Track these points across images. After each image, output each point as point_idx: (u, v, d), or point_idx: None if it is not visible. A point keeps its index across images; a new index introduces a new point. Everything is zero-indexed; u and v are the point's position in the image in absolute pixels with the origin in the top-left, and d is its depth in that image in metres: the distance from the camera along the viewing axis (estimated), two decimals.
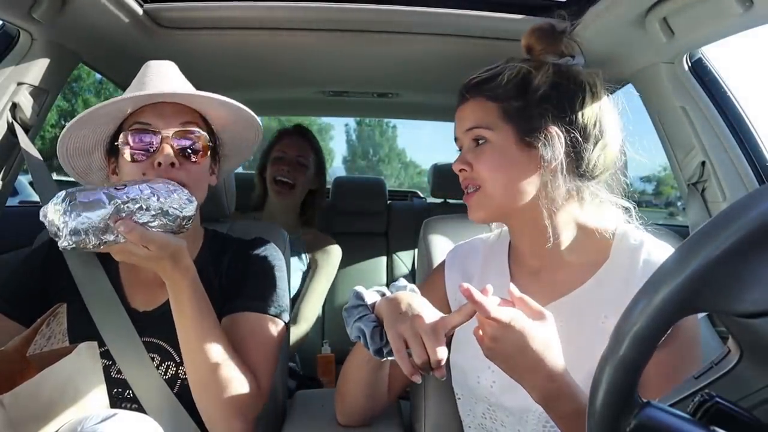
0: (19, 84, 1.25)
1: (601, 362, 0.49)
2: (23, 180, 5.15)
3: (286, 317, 1.12)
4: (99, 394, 0.91)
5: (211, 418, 0.98)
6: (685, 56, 1.31)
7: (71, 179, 1.15)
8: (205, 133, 1.05)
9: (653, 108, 1.42)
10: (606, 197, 0.98)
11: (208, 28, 1.46)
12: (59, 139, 1.02)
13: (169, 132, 1.00)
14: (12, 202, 1.75)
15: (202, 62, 1.66)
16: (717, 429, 0.46)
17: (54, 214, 0.83)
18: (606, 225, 0.97)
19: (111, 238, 0.85)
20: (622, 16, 1.21)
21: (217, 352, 0.95)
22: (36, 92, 1.29)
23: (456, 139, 1.02)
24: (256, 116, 1.09)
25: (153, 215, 0.88)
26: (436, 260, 1.22)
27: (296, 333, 1.89)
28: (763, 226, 0.42)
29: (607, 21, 1.22)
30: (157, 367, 1.02)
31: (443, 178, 2.55)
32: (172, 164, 0.99)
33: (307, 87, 2.17)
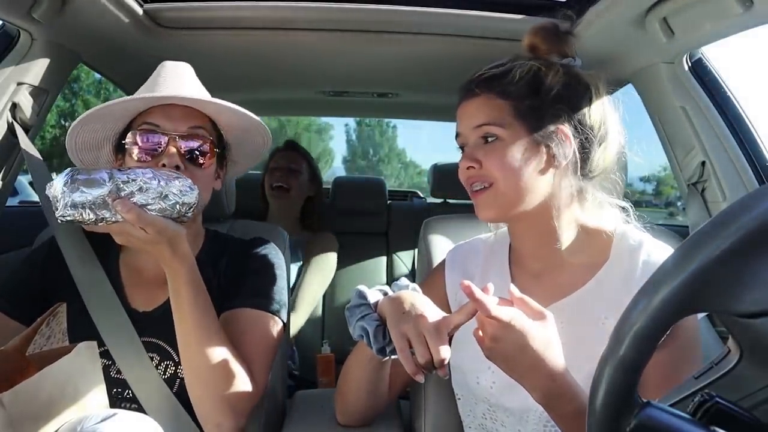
0: (19, 84, 1.25)
1: (601, 362, 0.49)
2: (23, 180, 5.15)
3: (284, 315, 1.11)
4: (98, 394, 0.91)
5: (203, 410, 0.98)
6: (685, 56, 1.31)
7: None
8: (212, 138, 1.06)
9: (653, 108, 1.42)
10: (604, 198, 0.98)
11: (208, 28, 1.46)
12: (69, 132, 1.03)
13: (177, 134, 1.01)
14: (12, 202, 1.75)
15: (202, 62, 1.65)
16: (717, 429, 0.46)
17: (56, 187, 0.85)
18: (605, 225, 0.97)
19: (108, 215, 0.86)
20: (622, 16, 1.21)
21: (213, 344, 0.95)
22: (36, 92, 1.29)
23: (457, 135, 1.00)
24: (265, 125, 1.09)
25: (152, 198, 0.88)
26: (436, 260, 1.22)
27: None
28: (763, 226, 0.42)
29: (607, 21, 1.22)
30: (157, 367, 1.02)
31: (443, 178, 2.55)
32: (177, 167, 0.99)
33: (308, 87, 2.17)
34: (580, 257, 0.96)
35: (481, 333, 0.81)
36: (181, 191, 0.91)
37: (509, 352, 0.79)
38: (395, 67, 1.76)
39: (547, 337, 0.79)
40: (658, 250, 0.92)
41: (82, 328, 1.01)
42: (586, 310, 0.92)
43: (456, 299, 1.08)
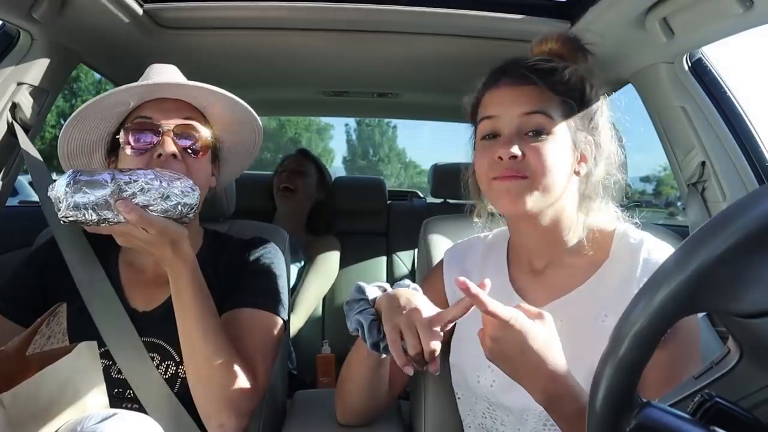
0: (19, 84, 1.25)
1: (601, 362, 0.49)
2: (23, 180, 5.15)
3: (285, 314, 1.11)
4: (98, 394, 0.91)
5: (205, 409, 0.98)
6: (685, 56, 1.31)
7: None
8: (206, 129, 1.05)
9: (653, 108, 1.42)
10: (606, 198, 0.98)
11: (208, 28, 1.46)
12: (60, 136, 1.02)
13: (171, 125, 1.01)
14: (12, 202, 1.75)
15: (202, 62, 1.66)
16: (717, 429, 0.46)
17: (59, 188, 0.85)
18: (606, 224, 0.97)
19: (110, 216, 0.86)
20: (622, 16, 1.21)
21: (215, 343, 0.95)
22: (36, 92, 1.29)
23: (488, 118, 0.93)
24: (256, 115, 1.09)
25: (154, 198, 0.88)
26: (436, 260, 1.22)
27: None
28: (763, 226, 0.42)
29: (607, 21, 1.22)
30: (157, 367, 1.02)
31: (443, 178, 2.55)
32: (174, 156, 0.99)
33: (308, 87, 2.17)
34: (581, 256, 0.96)
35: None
36: (182, 192, 0.91)
37: (509, 352, 0.79)
38: (395, 67, 1.76)
39: (547, 337, 0.79)
40: (658, 249, 0.92)
41: (83, 329, 1.01)
42: (586, 308, 0.92)
43: (455, 298, 1.08)
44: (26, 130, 1.26)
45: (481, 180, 0.95)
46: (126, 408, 0.98)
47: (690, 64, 1.33)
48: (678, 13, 1.14)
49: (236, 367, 0.97)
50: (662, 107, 1.39)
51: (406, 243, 2.45)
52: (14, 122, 1.25)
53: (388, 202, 2.66)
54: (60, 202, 0.85)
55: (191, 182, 0.93)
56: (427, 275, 1.17)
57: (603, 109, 0.96)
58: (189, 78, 1.11)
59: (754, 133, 1.32)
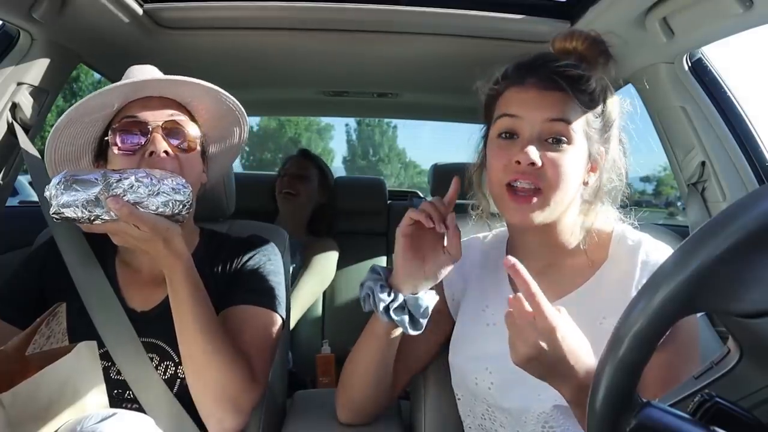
0: (19, 84, 1.25)
1: (601, 362, 0.49)
2: (23, 180, 5.15)
3: (283, 311, 1.11)
4: (98, 394, 0.91)
5: (204, 407, 0.97)
6: (685, 56, 1.31)
7: None
8: (193, 124, 1.05)
9: (653, 108, 1.42)
10: (607, 201, 0.98)
11: (208, 28, 1.46)
12: (48, 143, 1.02)
13: (159, 122, 1.00)
14: (12, 202, 1.75)
15: (202, 62, 1.66)
16: (717, 429, 0.46)
17: (51, 186, 0.87)
18: (604, 225, 0.97)
19: (100, 212, 0.87)
20: (622, 16, 1.21)
21: (213, 341, 0.95)
22: (36, 92, 1.29)
23: (511, 116, 0.90)
24: (241, 106, 1.08)
25: (145, 195, 0.89)
26: None
27: None
28: (763, 226, 0.42)
29: (607, 21, 1.22)
30: (156, 368, 1.02)
31: (443, 178, 2.55)
32: (166, 153, 0.98)
33: (307, 87, 2.17)
34: (580, 257, 0.96)
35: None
36: (173, 189, 0.91)
37: (541, 350, 0.75)
38: (395, 67, 1.76)
39: (574, 329, 0.77)
40: (656, 250, 0.92)
41: (82, 329, 1.01)
42: (584, 309, 0.92)
43: (454, 298, 1.08)
44: (26, 130, 1.26)
45: (493, 181, 0.93)
46: (125, 409, 0.98)
47: (690, 64, 1.33)
48: (678, 13, 1.14)
49: (235, 365, 0.96)
50: (662, 107, 1.39)
51: None
52: (14, 122, 1.25)
53: (388, 202, 2.66)
54: (51, 199, 0.86)
55: (183, 180, 0.93)
56: None
57: (617, 120, 0.95)
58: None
59: (754, 133, 1.32)
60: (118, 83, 0.98)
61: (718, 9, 1.05)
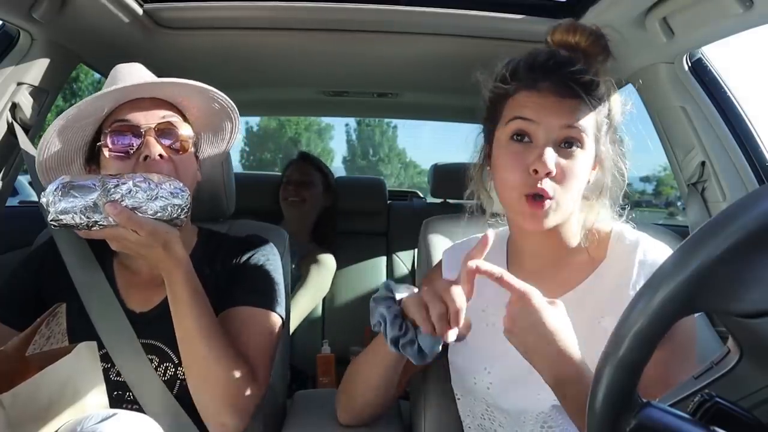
0: (19, 84, 1.25)
1: (601, 362, 0.49)
2: (23, 180, 5.14)
3: (282, 311, 1.11)
4: (98, 394, 0.91)
5: (206, 409, 0.97)
6: (685, 56, 1.31)
7: None
8: (186, 124, 1.05)
9: (653, 108, 1.42)
10: (605, 200, 0.98)
11: (208, 28, 1.46)
12: (38, 151, 1.00)
13: (152, 124, 0.99)
14: (12, 202, 1.75)
15: (201, 62, 1.66)
16: (717, 429, 0.46)
17: (48, 193, 0.86)
18: (603, 224, 0.97)
19: (99, 218, 0.86)
20: (622, 16, 1.21)
21: (213, 342, 0.95)
22: (36, 92, 1.29)
23: (526, 120, 0.89)
24: (232, 102, 1.07)
25: (143, 201, 0.88)
26: (436, 260, 1.22)
27: None
28: (763, 226, 0.42)
29: (606, 21, 1.22)
30: (156, 369, 1.02)
31: (443, 178, 2.55)
32: (161, 156, 0.98)
33: (307, 87, 2.17)
34: (578, 256, 0.97)
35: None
36: (171, 193, 0.91)
37: (523, 326, 0.79)
38: (395, 67, 1.76)
39: (561, 318, 0.80)
40: (654, 250, 0.92)
41: (81, 330, 1.00)
42: (582, 308, 0.92)
43: None
44: (26, 130, 1.26)
45: (507, 190, 0.92)
46: (125, 410, 0.98)
47: (690, 64, 1.32)
48: (678, 13, 1.14)
49: (236, 366, 0.96)
50: (662, 107, 1.39)
51: (406, 243, 2.45)
52: (14, 122, 1.25)
53: (388, 202, 2.66)
54: (48, 206, 0.86)
55: (180, 183, 0.93)
56: (427, 276, 1.17)
57: (620, 118, 0.96)
58: (188, 77, 1.11)
59: (754, 133, 1.32)
60: (110, 89, 0.97)
61: (718, 9, 1.05)
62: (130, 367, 1.01)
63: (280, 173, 2.55)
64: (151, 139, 0.98)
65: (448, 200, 2.61)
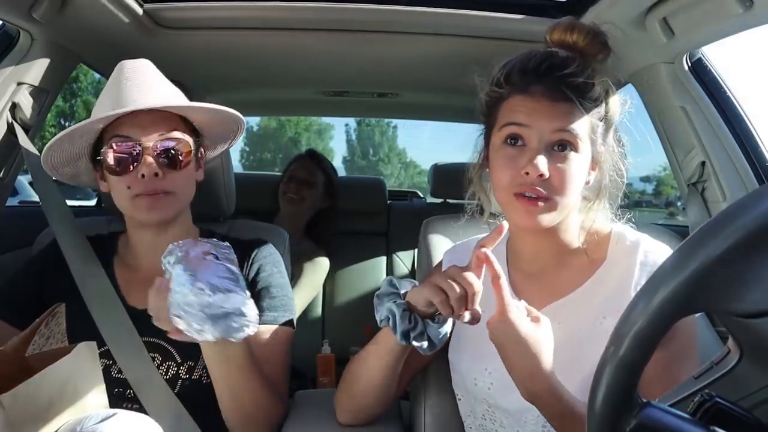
0: (19, 84, 1.25)
1: (601, 362, 0.49)
2: (23, 180, 5.15)
3: (294, 322, 1.13)
4: (98, 394, 0.91)
5: (238, 427, 1.02)
6: (685, 56, 1.30)
7: None
8: (187, 137, 1.05)
9: (653, 108, 1.42)
10: (605, 201, 0.98)
11: (208, 28, 1.46)
12: (43, 156, 1.03)
13: (150, 142, 1.00)
14: (12, 202, 1.75)
15: (201, 62, 1.66)
16: (717, 429, 0.46)
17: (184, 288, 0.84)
18: (603, 225, 0.97)
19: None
20: (622, 16, 1.21)
21: (248, 372, 0.98)
22: (36, 92, 1.29)
23: (519, 125, 0.89)
24: (239, 114, 1.08)
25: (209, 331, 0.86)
26: (437, 260, 1.22)
27: None
28: (763, 226, 0.42)
29: (606, 21, 1.22)
30: (158, 367, 1.02)
31: (443, 178, 2.55)
32: (156, 174, 1.00)
33: (307, 87, 2.17)
34: (578, 258, 0.96)
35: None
36: (234, 321, 0.87)
37: (501, 339, 0.81)
38: (395, 67, 1.76)
39: (538, 336, 0.80)
40: (654, 250, 0.92)
41: (82, 329, 1.00)
42: (584, 310, 0.92)
43: None
44: (26, 130, 1.26)
45: (499, 190, 0.93)
46: (126, 408, 0.98)
47: (690, 64, 1.32)
48: (678, 13, 1.13)
49: (265, 386, 1.01)
50: (662, 107, 1.39)
51: (406, 243, 2.45)
52: (14, 122, 1.25)
53: (388, 202, 2.66)
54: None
55: (241, 306, 0.87)
56: (426, 276, 1.17)
57: (618, 118, 0.96)
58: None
59: (754, 133, 1.32)
60: (109, 114, 0.98)
61: (718, 9, 1.05)
62: (132, 364, 1.01)
63: (280, 173, 2.54)
64: (149, 158, 1.00)
65: (448, 200, 2.61)
